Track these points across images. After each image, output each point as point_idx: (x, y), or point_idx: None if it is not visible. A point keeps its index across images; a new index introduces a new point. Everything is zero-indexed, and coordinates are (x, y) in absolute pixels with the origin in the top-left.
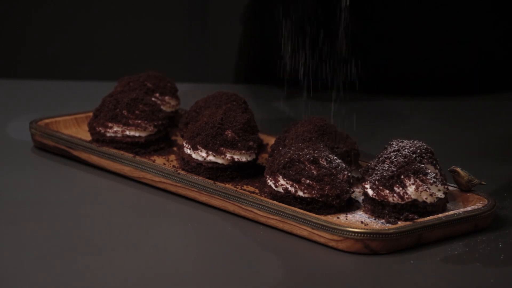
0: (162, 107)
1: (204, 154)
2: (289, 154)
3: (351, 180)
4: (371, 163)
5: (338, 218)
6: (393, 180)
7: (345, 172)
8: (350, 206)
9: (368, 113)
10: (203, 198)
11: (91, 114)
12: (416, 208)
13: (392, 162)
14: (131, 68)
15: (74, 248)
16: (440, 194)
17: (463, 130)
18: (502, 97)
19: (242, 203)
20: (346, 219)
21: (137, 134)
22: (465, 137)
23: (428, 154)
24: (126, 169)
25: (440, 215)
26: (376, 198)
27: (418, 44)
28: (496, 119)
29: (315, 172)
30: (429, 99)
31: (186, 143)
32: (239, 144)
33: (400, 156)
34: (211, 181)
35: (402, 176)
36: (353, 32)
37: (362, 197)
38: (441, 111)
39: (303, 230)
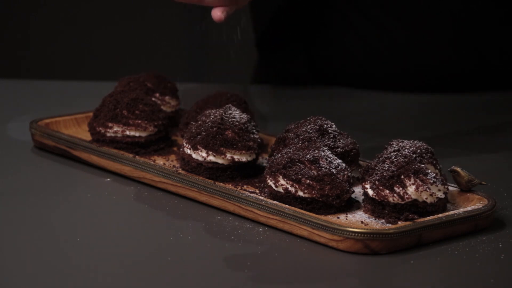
0: (162, 107)
1: (204, 154)
2: (289, 154)
3: (351, 180)
4: (371, 163)
5: (338, 218)
6: (393, 180)
7: (345, 172)
8: (350, 206)
9: (368, 112)
10: (203, 198)
11: (91, 114)
12: (416, 208)
13: (392, 162)
14: (131, 68)
15: (74, 248)
16: (440, 194)
17: (463, 129)
18: (503, 96)
19: (242, 203)
20: (346, 219)
21: (137, 134)
22: (465, 136)
23: (428, 154)
24: (126, 169)
25: (440, 215)
26: (376, 198)
27: (420, 41)
28: (496, 118)
29: (315, 172)
30: (428, 98)
31: (186, 143)
32: (239, 144)
33: (400, 156)
34: (211, 181)
35: (402, 176)
36: (354, 31)
37: (362, 197)
38: (441, 111)
39: (303, 230)
